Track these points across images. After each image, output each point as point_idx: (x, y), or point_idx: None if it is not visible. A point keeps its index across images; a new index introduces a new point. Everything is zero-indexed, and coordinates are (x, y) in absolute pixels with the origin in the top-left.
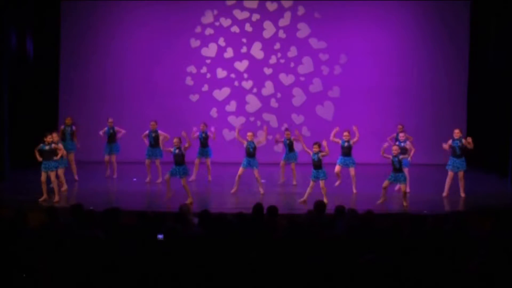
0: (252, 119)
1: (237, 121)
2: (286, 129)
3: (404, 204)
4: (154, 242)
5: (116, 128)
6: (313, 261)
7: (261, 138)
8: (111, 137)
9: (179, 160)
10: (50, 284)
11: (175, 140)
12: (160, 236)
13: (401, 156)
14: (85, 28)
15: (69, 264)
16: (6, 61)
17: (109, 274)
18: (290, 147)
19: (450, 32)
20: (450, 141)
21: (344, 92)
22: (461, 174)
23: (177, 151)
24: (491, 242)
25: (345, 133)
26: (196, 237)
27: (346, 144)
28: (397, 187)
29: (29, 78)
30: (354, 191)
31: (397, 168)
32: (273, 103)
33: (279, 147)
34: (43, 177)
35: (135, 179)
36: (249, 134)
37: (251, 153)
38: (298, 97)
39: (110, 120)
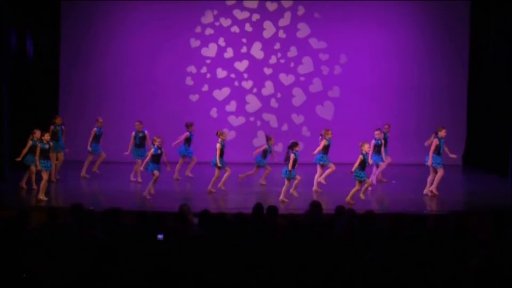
0: (252, 119)
1: (237, 121)
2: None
3: (347, 198)
4: (154, 242)
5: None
6: (313, 261)
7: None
8: (99, 137)
9: (158, 159)
10: (50, 284)
11: (159, 140)
12: (160, 236)
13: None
14: (85, 28)
15: (69, 264)
16: (6, 61)
17: (109, 274)
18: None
19: (450, 32)
20: (436, 140)
21: (344, 92)
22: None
23: (158, 151)
24: (491, 242)
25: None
26: (196, 237)
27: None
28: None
29: (29, 78)
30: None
31: (365, 166)
32: (273, 103)
33: (279, 147)
34: (47, 175)
35: (135, 179)
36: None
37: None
38: (298, 97)
39: (100, 120)
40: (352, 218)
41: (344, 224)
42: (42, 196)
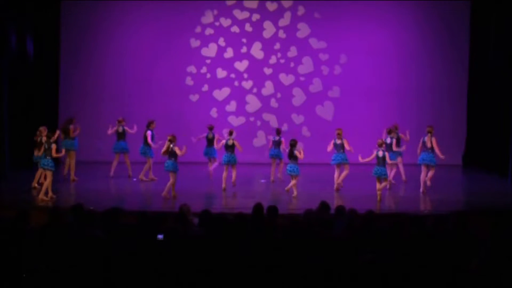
0: (252, 119)
1: (237, 121)
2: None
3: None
4: (154, 242)
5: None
6: (313, 261)
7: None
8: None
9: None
10: (51, 284)
11: (173, 137)
12: (160, 236)
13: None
14: (85, 28)
15: (69, 264)
16: (6, 61)
17: (109, 274)
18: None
19: (450, 32)
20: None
21: (344, 92)
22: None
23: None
24: (491, 242)
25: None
26: (196, 237)
27: (339, 142)
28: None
29: (29, 78)
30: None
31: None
32: (273, 103)
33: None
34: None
35: (135, 179)
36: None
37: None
38: (298, 97)
39: (121, 119)
40: (353, 218)
41: (344, 224)
42: (43, 196)
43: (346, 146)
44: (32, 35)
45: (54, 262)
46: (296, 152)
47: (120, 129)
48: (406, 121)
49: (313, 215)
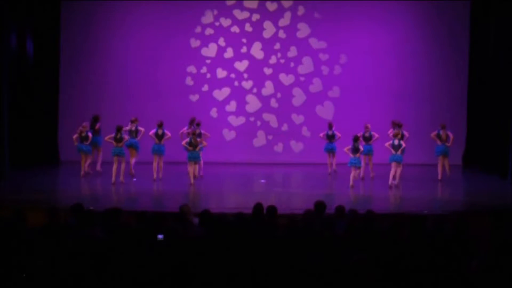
0: (252, 119)
1: (237, 121)
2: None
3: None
4: (154, 242)
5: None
6: (312, 261)
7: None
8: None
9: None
10: (50, 284)
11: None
12: (160, 236)
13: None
14: (85, 28)
15: (69, 264)
16: (6, 61)
17: (109, 274)
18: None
19: (450, 32)
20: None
21: (344, 92)
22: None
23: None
24: (491, 242)
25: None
26: (196, 237)
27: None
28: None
29: (29, 78)
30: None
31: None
32: (273, 103)
33: (279, 147)
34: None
35: (135, 179)
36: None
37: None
38: (298, 97)
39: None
40: (353, 218)
41: (345, 224)
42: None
43: (375, 135)
44: (32, 35)
45: (54, 262)
46: (361, 147)
47: (133, 128)
48: (405, 121)
49: (313, 215)
